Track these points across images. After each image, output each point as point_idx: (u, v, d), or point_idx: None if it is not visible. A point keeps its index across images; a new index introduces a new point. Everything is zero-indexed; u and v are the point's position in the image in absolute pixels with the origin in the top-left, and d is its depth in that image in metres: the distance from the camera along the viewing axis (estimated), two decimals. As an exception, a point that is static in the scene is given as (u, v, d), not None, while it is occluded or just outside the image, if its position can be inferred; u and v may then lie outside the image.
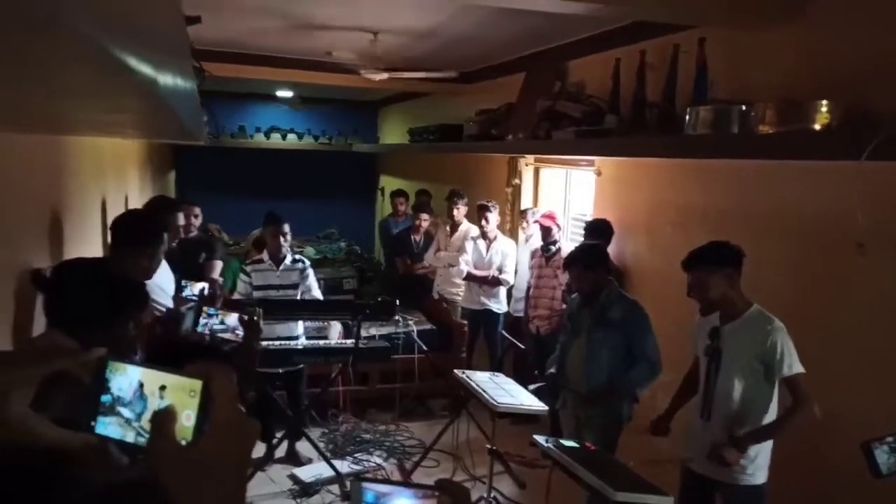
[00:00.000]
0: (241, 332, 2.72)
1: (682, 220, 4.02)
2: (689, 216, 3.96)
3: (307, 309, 4.26)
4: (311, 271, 4.54)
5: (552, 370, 3.60)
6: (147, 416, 0.72)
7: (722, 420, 2.77)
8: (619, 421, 3.38)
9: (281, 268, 4.44)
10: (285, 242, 4.40)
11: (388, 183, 9.97)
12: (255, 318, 2.72)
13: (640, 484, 2.41)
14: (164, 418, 0.69)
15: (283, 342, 4.34)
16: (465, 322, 5.45)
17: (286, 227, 4.41)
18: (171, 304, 2.98)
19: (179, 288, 3.20)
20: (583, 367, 3.42)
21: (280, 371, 4.31)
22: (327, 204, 10.37)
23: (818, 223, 3.09)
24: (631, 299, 3.49)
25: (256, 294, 4.37)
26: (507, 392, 3.56)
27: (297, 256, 4.61)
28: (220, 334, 2.70)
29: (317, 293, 4.50)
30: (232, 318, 2.76)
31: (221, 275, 4.84)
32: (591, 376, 3.39)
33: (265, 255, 4.48)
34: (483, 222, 5.39)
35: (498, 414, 3.39)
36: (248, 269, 4.47)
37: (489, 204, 5.39)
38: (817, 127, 2.60)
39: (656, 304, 4.23)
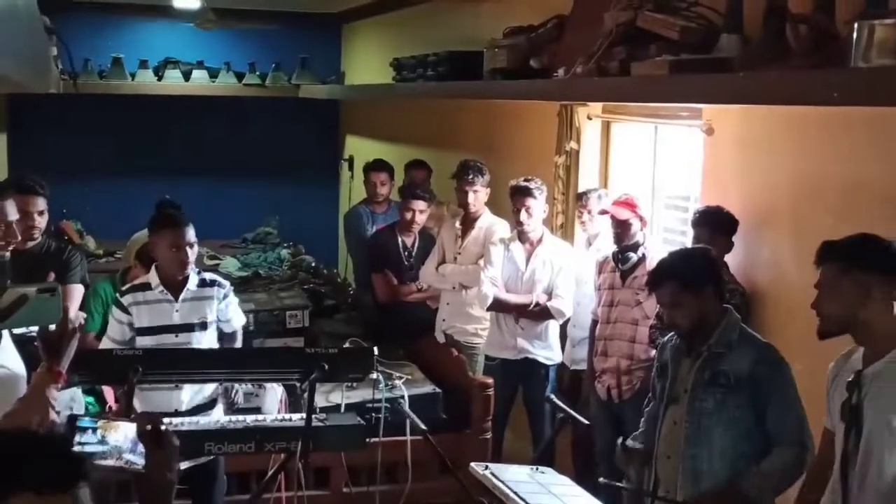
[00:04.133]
0: (138, 460, 2.56)
1: (851, 206, 4.03)
2: (861, 200, 3.97)
3: (224, 363, 4.30)
4: (234, 300, 4.64)
5: (631, 450, 3.62)
6: None
7: None
8: None
9: (182, 297, 4.50)
10: (190, 256, 4.47)
11: (360, 150, 10.02)
12: (166, 428, 2.52)
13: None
14: None
15: (183, 419, 4.35)
16: (490, 381, 5.46)
17: (191, 232, 4.46)
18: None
19: None
20: (683, 455, 3.44)
21: (181, 467, 4.32)
22: (259, 186, 10.45)
23: None
24: (762, 342, 3.52)
25: (142, 342, 4.40)
26: (558, 499, 3.59)
27: (211, 277, 4.66)
28: (100, 460, 2.58)
29: (238, 326, 4.67)
30: (121, 434, 2.60)
31: (82, 307, 4.85)
32: (698, 470, 3.40)
33: (153, 278, 4.53)
34: (522, 215, 5.42)
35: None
36: (127, 300, 4.51)
37: (531, 185, 5.42)
38: None
39: (809, 348, 4.20)
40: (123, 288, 4.73)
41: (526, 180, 5.47)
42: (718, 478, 3.38)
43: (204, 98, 9.90)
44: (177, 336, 4.45)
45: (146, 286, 4.54)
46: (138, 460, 2.53)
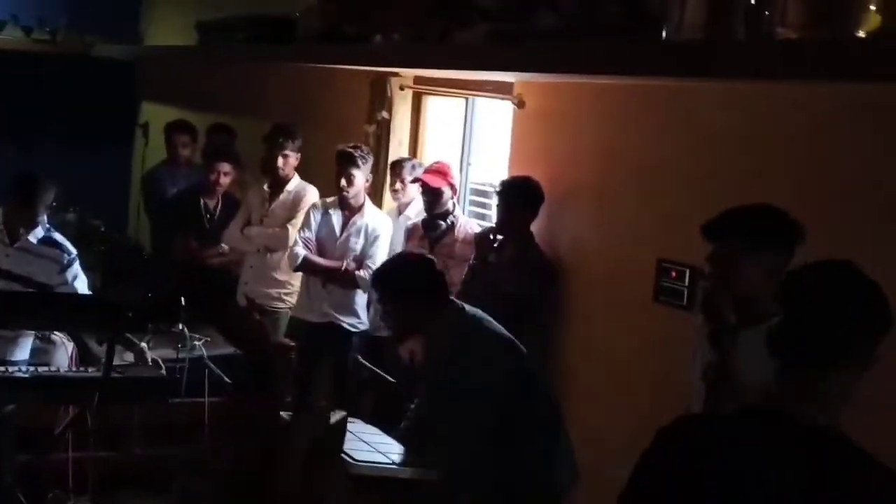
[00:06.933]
0: None
1: (655, 181, 4.23)
2: (666, 176, 4.18)
3: (18, 309, 4.15)
4: (77, 267, 4.64)
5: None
6: None
7: None
8: None
9: (18, 244, 4.49)
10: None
11: (158, 116, 9.70)
12: None
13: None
14: None
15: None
16: (292, 343, 5.44)
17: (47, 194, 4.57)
18: None
19: None
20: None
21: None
22: (45, 151, 9.92)
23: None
24: (476, 349, 3.64)
25: None
26: (368, 444, 3.63)
27: (59, 238, 4.68)
28: None
29: None
30: None
31: None
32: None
33: None
34: (342, 182, 5.39)
35: (356, 480, 3.43)
36: None
37: (355, 153, 5.37)
38: (862, 34, 2.84)
39: (606, 317, 4.44)
40: None
41: (351, 147, 5.42)
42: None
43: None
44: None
45: None
46: None
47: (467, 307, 3.78)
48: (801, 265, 1.95)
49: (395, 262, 4.12)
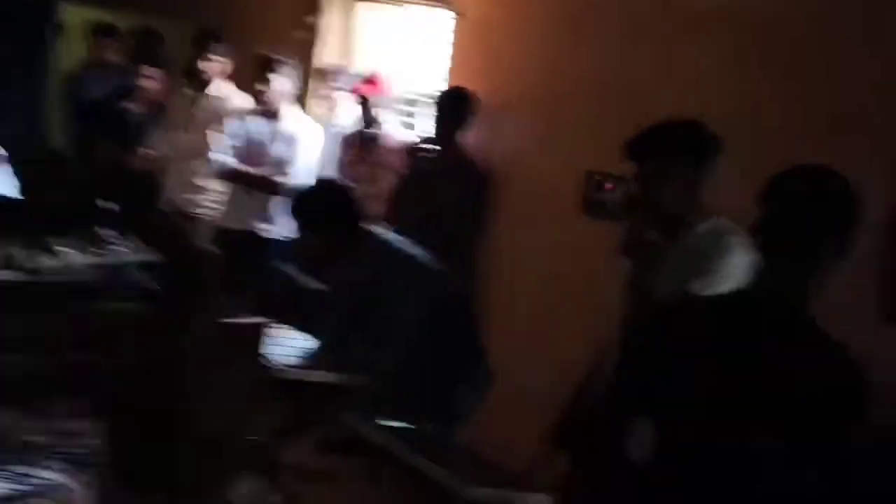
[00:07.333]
0: None
1: (597, 93, 4.25)
2: (609, 87, 4.19)
3: None
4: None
5: None
6: None
7: None
8: None
9: None
10: None
11: (75, 16, 9.38)
12: None
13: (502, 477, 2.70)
14: None
15: None
16: (218, 251, 5.38)
17: None
18: None
19: None
20: None
21: None
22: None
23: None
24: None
25: None
26: (289, 346, 3.66)
27: None
28: None
29: None
30: None
31: None
32: None
33: None
34: (261, 87, 5.27)
35: (274, 384, 3.43)
36: None
37: (273, 57, 5.26)
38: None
39: (545, 225, 4.47)
40: None
41: (269, 52, 5.30)
42: None
43: None
44: None
45: None
46: None
47: (381, 232, 3.76)
48: (783, 170, 2.07)
49: (311, 191, 4.07)
